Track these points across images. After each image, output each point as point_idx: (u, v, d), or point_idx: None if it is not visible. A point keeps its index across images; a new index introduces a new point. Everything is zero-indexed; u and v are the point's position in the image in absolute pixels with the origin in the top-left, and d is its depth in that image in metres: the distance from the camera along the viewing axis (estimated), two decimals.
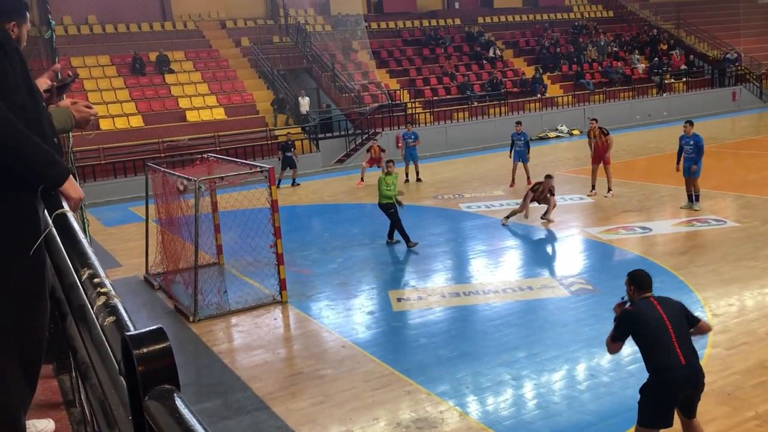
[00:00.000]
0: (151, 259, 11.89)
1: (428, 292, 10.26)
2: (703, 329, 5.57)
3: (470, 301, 9.86)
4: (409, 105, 27.39)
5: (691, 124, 14.04)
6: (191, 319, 9.54)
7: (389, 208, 12.66)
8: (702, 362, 7.21)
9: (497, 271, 11.24)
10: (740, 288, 9.46)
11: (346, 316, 9.58)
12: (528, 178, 17.75)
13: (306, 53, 28.76)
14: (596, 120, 16.72)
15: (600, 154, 15.96)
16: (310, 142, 24.81)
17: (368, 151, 20.53)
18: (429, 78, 29.51)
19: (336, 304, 10.07)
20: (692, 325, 5.32)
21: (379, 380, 7.39)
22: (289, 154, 20.54)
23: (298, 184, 20.84)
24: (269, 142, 23.92)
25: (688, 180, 13.86)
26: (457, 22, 34.18)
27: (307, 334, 9.08)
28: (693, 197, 13.93)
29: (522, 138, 17.83)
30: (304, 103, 25.99)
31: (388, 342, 8.58)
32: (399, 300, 9.97)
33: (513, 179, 17.92)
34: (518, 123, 18.56)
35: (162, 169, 11.39)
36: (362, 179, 20.08)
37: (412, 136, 20.10)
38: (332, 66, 28.07)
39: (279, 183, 19.74)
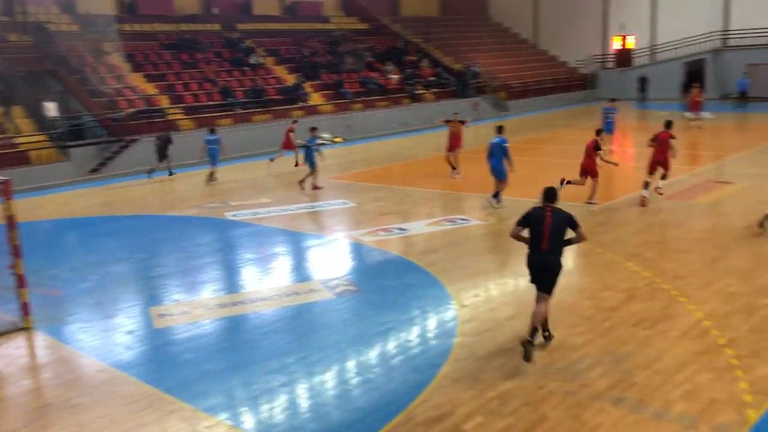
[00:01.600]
0: None
1: (193, 306, 9.94)
2: (580, 235, 7.63)
3: (237, 311, 9.72)
4: (168, 111, 26.34)
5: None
6: None
7: None
8: (452, 351, 7.87)
9: (264, 279, 11.23)
10: (484, 280, 10.44)
11: (103, 337, 8.94)
12: (304, 180, 18.36)
13: (50, 54, 26.37)
14: (458, 113, 20.03)
15: (454, 143, 18.84)
16: (57, 150, 22.78)
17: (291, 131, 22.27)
18: (189, 83, 28.65)
19: (91, 326, 9.35)
20: (573, 228, 7.58)
21: (140, 402, 7.00)
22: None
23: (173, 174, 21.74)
24: (8, 150, 21.57)
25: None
26: (217, 27, 33.61)
27: (57, 361, 8.32)
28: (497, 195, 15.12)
29: (315, 142, 18.58)
30: (51, 108, 23.82)
31: (150, 361, 8.16)
32: (161, 316, 9.53)
33: (304, 182, 18.42)
34: (314, 128, 19.14)
35: None
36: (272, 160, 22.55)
37: (214, 140, 20.73)
38: (82, 69, 26.06)
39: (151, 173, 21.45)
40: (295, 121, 23.79)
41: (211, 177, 20.38)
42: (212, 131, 21.40)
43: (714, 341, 7.75)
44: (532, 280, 7.78)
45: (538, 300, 7.64)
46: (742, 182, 16.41)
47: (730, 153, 21.12)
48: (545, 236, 7.52)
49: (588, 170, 14.71)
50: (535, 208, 7.75)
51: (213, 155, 20.47)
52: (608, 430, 6.07)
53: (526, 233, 7.74)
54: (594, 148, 14.66)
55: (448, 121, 19.45)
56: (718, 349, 7.54)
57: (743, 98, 34.35)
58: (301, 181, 18.47)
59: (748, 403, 6.38)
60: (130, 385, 7.43)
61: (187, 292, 10.71)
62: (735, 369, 7.06)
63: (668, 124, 15.09)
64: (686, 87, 41.93)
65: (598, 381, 6.96)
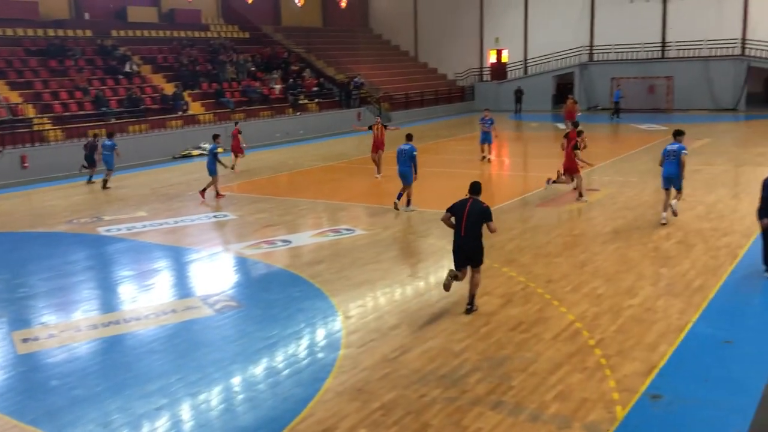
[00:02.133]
0: None
1: (61, 328, 9.34)
2: (490, 228, 9.02)
3: (110, 332, 9.23)
4: (35, 120, 24.78)
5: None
6: None
7: None
8: (336, 364, 7.83)
9: (140, 297, 10.73)
10: (368, 290, 10.48)
11: None
12: (206, 190, 18.15)
13: None
14: (380, 117, 21.00)
15: (378, 145, 19.88)
16: None
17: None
18: (59, 92, 27.09)
19: None
20: (486, 221, 8.97)
21: None
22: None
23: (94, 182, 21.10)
24: None
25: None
26: (89, 33, 32.02)
27: None
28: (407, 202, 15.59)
29: (217, 148, 18.52)
30: None
31: (12, 391, 7.56)
32: (25, 341, 8.88)
33: (204, 192, 18.23)
34: (217, 135, 19.11)
35: None
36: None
37: (108, 145, 20.80)
38: None
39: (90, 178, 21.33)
40: (236, 123, 25.00)
41: (104, 184, 20.46)
42: (110, 136, 21.33)
43: (585, 342, 8.15)
44: (456, 262, 9.17)
45: (464, 275, 9.21)
46: (607, 189, 17.44)
47: (597, 161, 22.41)
48: (463, 223, 8.97)
49: (569, 168, 15.86)
50: (461, 200, 9.18)
51: (106, 161, 20.62)
52: None
53: (453, 220, 9.15)
54: (573, 147, 15.75)
55: (371, 126, 20.41)
56: (588, 350, 7.93)
57: (617, 109, 36.47)
58: (218, 194, 18.18)
59: (616, 400, 6.74)
60: None
61: (56, 314, 10.06)
62: (604, 368, 7.44)
63: (576, 125, 17.23)
64: (558, 99, 44.23)
65: (477, 386, 7.13)
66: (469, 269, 9.20)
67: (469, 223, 8.94)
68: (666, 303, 9.34)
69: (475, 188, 9.21)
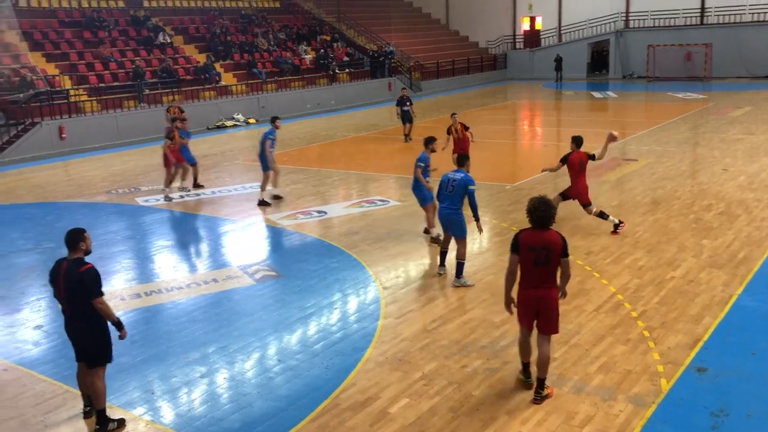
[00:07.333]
0: None
1: (105, 297, 9.49)
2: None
3: (153, 301, 9.39)
4: (72, 92, 25.04)
5: None
6: None
7: None
8: (376, 334, 7.86)
9: (180, 267, 10.89)
10: (404, 260, 10.48)
11: (8, 334, 8.44)
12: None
13: None
14: (456, 114, 16.69)
15: (461, 146, 15.85)
16: None
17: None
18: (93, 63, 27.30)
19: None
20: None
21: (52, 401, 6.65)
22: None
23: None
24: None
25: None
26: (121, 4, 32.15)
27: None
28: None
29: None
30: None
31: (62, 357, 7.73)
32: None
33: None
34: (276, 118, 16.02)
35: None
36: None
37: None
38: None
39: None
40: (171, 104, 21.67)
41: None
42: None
43: (627, 314, 8.07)
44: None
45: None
46: (645, 159, 17.13)
47: (634, 131, 22.00)
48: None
49: None
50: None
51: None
52: (531, 405, 6.21)
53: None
54: None
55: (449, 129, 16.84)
56: (630, 322, 7.85)
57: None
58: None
59: (661, 372, 6.68)
60: (40, 384, 7.05)
61: None
62: (647, 340, 7.37)
63: None
64: (593, 67, 43.43)
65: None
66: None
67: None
68: (709, 275, 9.19)
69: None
